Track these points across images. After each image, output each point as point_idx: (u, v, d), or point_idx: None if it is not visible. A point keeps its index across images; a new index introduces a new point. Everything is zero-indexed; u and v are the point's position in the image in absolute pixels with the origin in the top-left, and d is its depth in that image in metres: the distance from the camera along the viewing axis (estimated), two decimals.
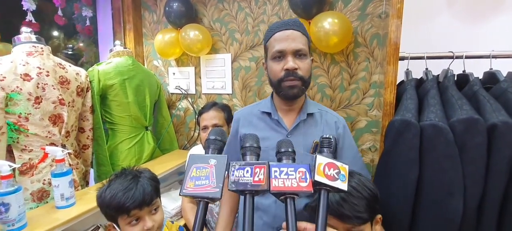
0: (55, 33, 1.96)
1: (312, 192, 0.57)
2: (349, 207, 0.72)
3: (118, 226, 0.87)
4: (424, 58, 1.09)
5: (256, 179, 0.56)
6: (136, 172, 0.91)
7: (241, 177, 0.56)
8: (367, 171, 1.02)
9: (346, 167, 0.60)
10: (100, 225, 1.35)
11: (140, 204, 0.83)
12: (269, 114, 0.96)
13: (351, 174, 0.79)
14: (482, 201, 0.87)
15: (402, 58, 1.09)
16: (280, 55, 0.87)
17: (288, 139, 0.67)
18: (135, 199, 0.82)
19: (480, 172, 0.85)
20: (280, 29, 0.88)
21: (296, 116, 0.95)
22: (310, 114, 0.95)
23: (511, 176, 0.84)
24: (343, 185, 0.58)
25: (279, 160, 0.62)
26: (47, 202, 1.25)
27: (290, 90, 0.87)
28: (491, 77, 1.03)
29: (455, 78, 1.06)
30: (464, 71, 1.08)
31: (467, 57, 1.04)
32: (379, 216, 0.81)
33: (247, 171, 0.57)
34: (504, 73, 1.02)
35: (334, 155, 0.62)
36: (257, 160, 0.62)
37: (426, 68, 1.10)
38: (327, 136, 0.63)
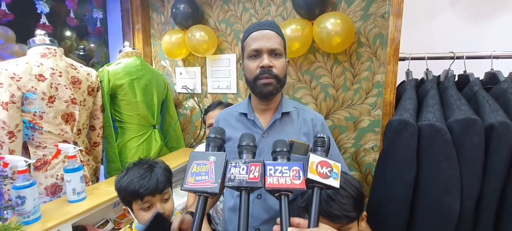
0: (68, 34, 2.03)
1: (305, 189, 0.60)
2: (337, 207, 0.74)
3: (133, 210, 0.93)
4: (424, 59, 1.09)
5: (251, 176, 0.59)
6: (152, 162, 0.97)
7: (237, 174, 0.60)
8: (346, 166, 1.02)
9: (339, 165, 0.63)
10: (109, 219, 1.41)
11: (153, 191, 0.89)
12: (246, 115, 0.98)
13: None
14: (479, 201, 0.88)
15: (403, 59, 1.10)
16: (256, 54, 0.89)
17: (284, 140, 0.69)
18: (149, 186, 0.88)
19: (478, 172, 0.86)
20: (256, 29, 0.90)
21: (272, 115, 0.96)
22: (285, 113, 0.96)
23: (509, 176, 0.85)
24: (335, 183, 0.61)
25: (275, 159, 0.66)
26: (60, 196, 1.31)
27: (264, 88, 0.88)
28: (492, 78, 1.03)
29: (456, 79, 1.07)
30: (465, 71, 1.08)
31: (468, 57, 1.05)
32: (365, 213, 0.83)
33: (243, 169, 0.60)
34: (505, 74, 1.02)
35: (327, 153, 0.65)
36: (253, 158, 0.65)
37: (427, 69, 1.11)
38: (321, 135, 0.66)
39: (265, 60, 0.86)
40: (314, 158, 0.61)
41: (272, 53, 0.88)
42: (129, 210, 0.94)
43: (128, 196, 0.90)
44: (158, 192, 0.91)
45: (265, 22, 0.92)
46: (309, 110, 1.02)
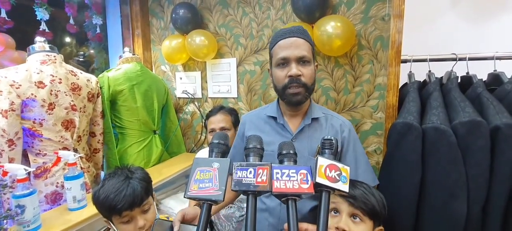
0: (67, 40, 2.02)
1: (313, 193, 0.59)
2: (360, 193, 0.75)
3: (113, 223, 0.90)
4: (427, 61, 1.09)
5: (259, 180, 0.58)
6: (128, 172, 0.93)
7: (244, 177, 0.58)
8: (374, 174, 1.00)
9: (348, 168, 0.62)
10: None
11: (131, 205, 0.86)
12: (275, 118, 0.98)
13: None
14: (487, 204, 0.87)
15: (405, 61, 1.10)
16: (284, 62, 0.89)
17: (290, 141, 0.68)
18: (125, 201, 0.85)
19: (484, 174, 0.85)
20: (284, 36, 0.90)
21: (301, 120, 0.96)
22: (315, 119, 0.96)
23: None
24: (344, 187, 0.59)
25: (281, 162, 0.64)
26: (60, 204, 1.29)
27: (293, 97, 0.89)
28: (495, 79, 1.03)
29: (459, 80, 1.07)
30: (467, 73, 1.08)
31: (470, 59, 1.05)
32: (381, 227, 0.81)
33: (250, 172, 0.59)
34: (509, 75, 1.02)
35: (336, 156, 0.64)
36: (261, 161, 0.64)
37: (429, 71, 1.11)
38: (329, 137, 0.65)
39: (293, 69, 0.87)
40: (322, 161, 0.59)
41: (301, 61, 0.88)
42: (110, 222, 0.91)
43: (106, 211, 0.88)
44: (136, 205, 0.88)
45: (293, 28, 0.91)
46: (337, 116, 1.02)
